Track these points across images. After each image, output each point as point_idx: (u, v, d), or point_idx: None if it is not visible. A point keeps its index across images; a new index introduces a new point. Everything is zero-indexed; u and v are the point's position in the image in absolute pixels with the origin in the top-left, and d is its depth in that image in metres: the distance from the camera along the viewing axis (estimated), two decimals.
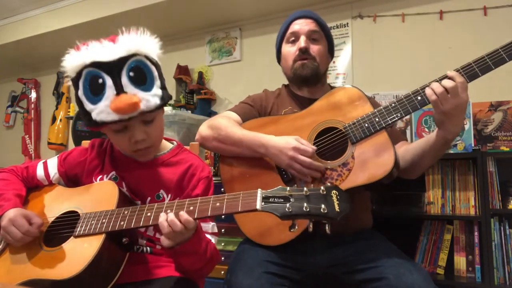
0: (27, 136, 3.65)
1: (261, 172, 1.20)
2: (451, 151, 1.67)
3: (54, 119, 3.46)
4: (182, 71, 2.80)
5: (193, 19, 2.74)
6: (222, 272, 1.81)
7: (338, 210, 0.76)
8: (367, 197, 1.30)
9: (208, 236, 0.99)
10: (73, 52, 0.89)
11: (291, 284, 1.05)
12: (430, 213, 1.69)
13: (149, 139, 0.95)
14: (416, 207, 1.72)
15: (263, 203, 0.78)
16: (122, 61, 0.86)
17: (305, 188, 0.78)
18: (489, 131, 1.73)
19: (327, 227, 0.77)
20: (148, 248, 0.98)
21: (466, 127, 1.67)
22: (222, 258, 1.82)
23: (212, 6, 2.53)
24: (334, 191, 0.78)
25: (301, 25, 1.32)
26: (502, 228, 1.56)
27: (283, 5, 2.48)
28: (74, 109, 3.25)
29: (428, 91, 1.03)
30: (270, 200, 0.78)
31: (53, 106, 3.52)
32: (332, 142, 1.15)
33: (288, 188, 0.79)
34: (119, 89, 0.85)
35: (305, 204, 0.76)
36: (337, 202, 0.77)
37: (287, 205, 0.76)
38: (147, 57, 0.91)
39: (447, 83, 1.00)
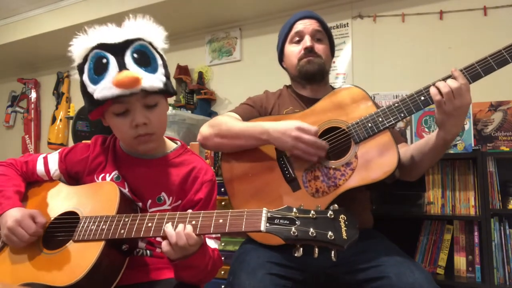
0: (27, 136, 3.65)
1: (263, 171, 1.19)
2: (451, 151, 1.67)
3: (54, 119, 3.47)
4: (182, 71, 2.80)
5: (193, 19, 2.74)
6: (223, 273, 1.81)
7: (346, 237, 0.73)
8: (367, 197, 1.31)
9: (211, 241, 0.98)
10: (80, 36, 0.91)
11: (294, 285, 1.04)
12: (430, 213, 1.69)
13: (150, 125, 0.93)
14: (416, 207, 1.72)
15: (267, 224, 0.76)
16: (127, 43, 0.88)
17: (312, 211, 0.76)
18: (489, 131, 1.73)
19: (332, 254, 0.73)
20: (148, 252, 0.97)
21: (466, 127, 1.67)
22: (223, 258, 1.81)
23: (212, 6, 2.53)
24: (342, 216, 0.76)
25: (305, 25, 1.32)
26: (502, 228, 1.56)
27: (283, 5, 2.48)
28: (74, 109, 3.24)
29: (433, 90, 1.02)
30: (275, 221, 0.76)
31: (53, 106, 3.53)
32: (335, 142, 1.15)
33: (294, 209, 0.77)
34: (122, 66, 0.86)
35: (311, 229, 0.73)
36: (344, 228, 0.74)
37: (293, 228, 0.74)
38: (151, 45, 0.93)
39: (452, 83, 0.99)
